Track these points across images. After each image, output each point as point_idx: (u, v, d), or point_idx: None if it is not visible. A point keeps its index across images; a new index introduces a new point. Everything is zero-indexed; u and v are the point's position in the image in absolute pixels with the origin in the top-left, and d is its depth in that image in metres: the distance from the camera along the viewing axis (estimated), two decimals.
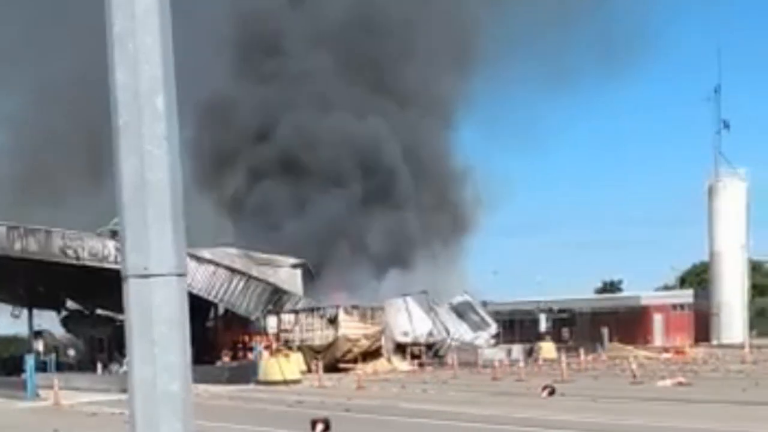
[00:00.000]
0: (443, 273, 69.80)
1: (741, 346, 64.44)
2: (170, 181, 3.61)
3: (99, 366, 55.30)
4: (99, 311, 65.35)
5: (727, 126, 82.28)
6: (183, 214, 3.66)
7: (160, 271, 3.58)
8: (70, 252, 55.98)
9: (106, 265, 52.16)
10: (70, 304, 70.78)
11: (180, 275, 3.63)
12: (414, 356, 58.18)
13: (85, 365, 60.94)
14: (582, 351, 53.97)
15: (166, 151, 3.60)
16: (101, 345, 62.65)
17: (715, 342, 77.00)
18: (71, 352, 69.87)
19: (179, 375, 3.62)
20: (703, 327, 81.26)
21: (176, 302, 3.62)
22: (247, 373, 46.73)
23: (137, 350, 3.61)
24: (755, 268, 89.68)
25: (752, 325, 79.96)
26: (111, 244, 51.92)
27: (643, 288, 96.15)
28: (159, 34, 3.59)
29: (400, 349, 58.34)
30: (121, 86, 3.58)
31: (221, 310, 61.53)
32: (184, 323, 3.65)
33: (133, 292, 3.62)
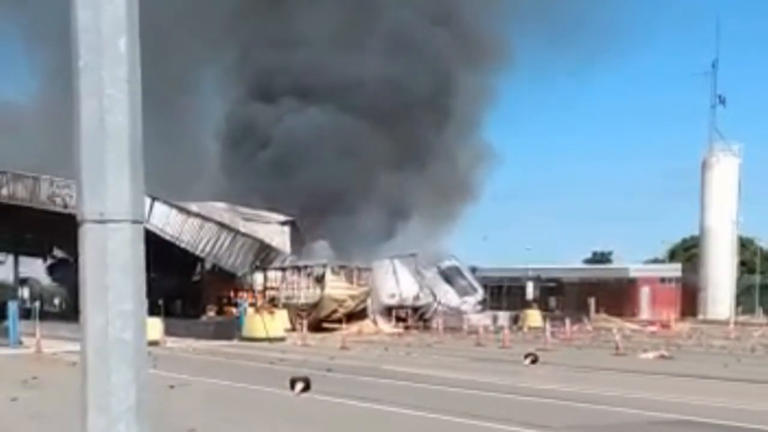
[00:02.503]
0: (433, 236, 69.85)
1: (726, 322, 64.75)
2: (130, 125, 3.52)
3: None
4: None
5: (722, 101, 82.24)
6: (142, 160, 3.57)
7: (116, 217, 3.50)
8: (57, 200, 55.64)
9: None
10: (57, 251, 70.75)
11: (136, 222, 3.55)
12: (399, 319, 58.28)
13: (70, 314, 60.86)
14: (568, 321, 54.13)
15: (127, 94, 3.51)
16: None
17: (701, 317, 77.28)
18: (56, 301, 69.99)
19: (132, 323, 3.54)
20: (690, 301, 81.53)
21: (131, 249, 3.54)
22: (231, 329, 46.72)
23: (90, 297, 3.54)
24: (744, 245, 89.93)
25: (739, 302, 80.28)
26: None
27: (633, 260, 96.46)
28: None
29: (386, 311, 58.39)
30: (83, 27, 3.47)
31: (208, 265, 61.43)
32: (140, 271, 3.57)
33: (88, 237, 3.53)
